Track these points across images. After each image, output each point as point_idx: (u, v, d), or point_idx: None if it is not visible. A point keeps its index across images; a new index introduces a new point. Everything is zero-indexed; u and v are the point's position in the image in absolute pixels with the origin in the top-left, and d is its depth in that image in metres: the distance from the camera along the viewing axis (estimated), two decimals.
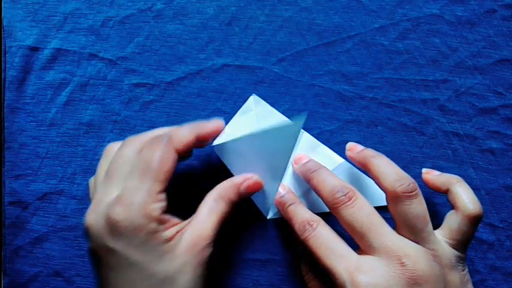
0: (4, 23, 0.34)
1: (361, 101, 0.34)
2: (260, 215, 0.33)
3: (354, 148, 0.30)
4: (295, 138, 0.33)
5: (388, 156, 0.33)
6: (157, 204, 0.25)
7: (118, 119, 0.34)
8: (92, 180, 0.28)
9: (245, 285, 0.32)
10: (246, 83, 0.34)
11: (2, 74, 0.34)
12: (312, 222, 0.27)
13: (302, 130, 0.33)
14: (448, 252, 0.26)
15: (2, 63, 0.34)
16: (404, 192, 0.25)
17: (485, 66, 0.34)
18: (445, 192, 0.29)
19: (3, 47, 0.34)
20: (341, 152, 0.33)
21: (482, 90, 0.34)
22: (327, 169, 0.29)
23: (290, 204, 0.29)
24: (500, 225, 0.33)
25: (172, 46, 0.34)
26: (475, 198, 0.27)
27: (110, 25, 0.34)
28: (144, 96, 0.34)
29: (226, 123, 0.34)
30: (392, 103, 0.34)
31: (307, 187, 0.31)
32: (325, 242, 0.26)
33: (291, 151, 0.33)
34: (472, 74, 0.34)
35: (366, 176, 0.32)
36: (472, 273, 0.32)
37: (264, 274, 0.32)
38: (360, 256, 0.25)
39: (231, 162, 0.33)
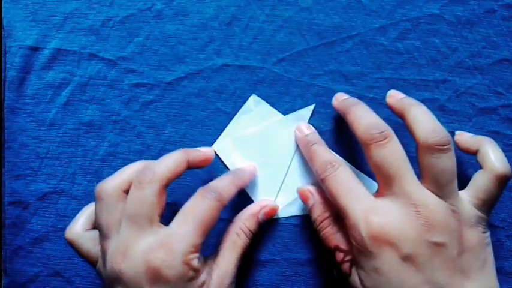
0: (4, 23, 0.34)
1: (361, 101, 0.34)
2: None
3: (395, 95, 0.30)
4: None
5: None
6: (197, 255, 0.25)
7: (118, 119, 0.34)
8: (70, 233, 0.28)
9: (245, 285, 0.32)
10: (246, 83, 0.34)
11: (2, 74, 0.34)
12: (334, 163, 0.27)
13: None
14: (469, 211, 0.26)
15: (2, 63, 0.34)
16: (436, 145, 0.25)
17: (485, 66, 0.34)
18: (475, 153, 0.28)
19: (3, 47, 0.34)
20: (341, 152, 0.33)
21: (482, 90, 0.34)
22: (366, 106, 0.29)
23: (313, 144, 0.29)
24: (500, 225, 0.33)
25: (172, 46, 0.34)
26: (504, 158, 0.27)
27: (110, 25, 0.34)
28: (144, 96, 0.34)
29: (227, 123, 0.34)
30: None
31: (315, 179, 0.31)
32: (344, 182, 0.26)
33: (294, 147, 0.33)
34: (472, 74, 0.34)
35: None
36: None
37: (264, 274, 0.32)
38: (376, 199, 0.25)
39: (232, 163, 0.33)
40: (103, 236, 0.26)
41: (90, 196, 0.33)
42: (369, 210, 0.24)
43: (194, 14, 0.34)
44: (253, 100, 0.34)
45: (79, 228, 0.28)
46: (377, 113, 0.33)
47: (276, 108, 0.34)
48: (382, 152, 0.25)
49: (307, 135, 0.31)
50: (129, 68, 0.34)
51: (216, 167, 0.33)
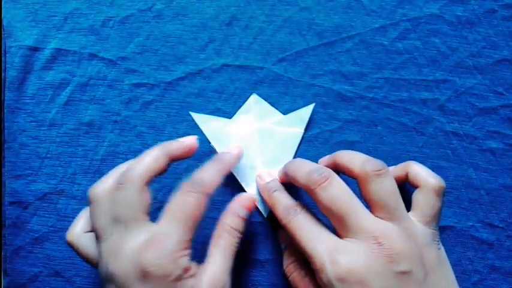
0: (4, 23, 0.34)
1: (361, 101, 0.34)
2: (259, 215, 0.33)
3: (322, 160, 0.31)
4: (301, 130, 0.33)
5: (388, 156, 0.33)
6: (186, 252, 0.25)
7: (118, 119, 0.34)
8: (71, 236, 0.28)
9: (244, 285, 0.32)
10: (246, 83, 0.34)
11: (2, 74, 0.34)
12: (296, 207, 0.27)
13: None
14: (422, 230, 0.26)
15: (2, 63, 0.34)
16: (374, 171, 0.25)
17: (485, 66, 0.34)
18: (406, 179, 0.29)
19: (3, 47, 0.34)
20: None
21: (482, 90, 0.34)
22: (300, 159, 0.29)
23: (274, 191, 0.29)
24: (500, 225, 0.33)
25: (172, 46, 0.34)
26: (433, 173, 0.28)
27: (110, 25, 0.34)
28: (144, 96, 0.34)
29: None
30: (392, 103, 0.34)
31: None
32: (306, 225, 0.26)
33: (296, 146, 0.33)
34: (472, 74, 0.34)
35: None
36: (471, 273, 0.32)
37: (263, 274, 0.32)
38: (339, 240, 0.25)
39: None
40: (98, 238, 0.27)
41: None
42: (333, 250, 0.24)
43: (194, 14, 0.34)
44: (253, 99, 0.34)
45: (79, 230, 0.28)
46: (377, 113, 0.34)
47: (276, 108, 0.34)
48: (328, 193, 0.25)
49: (268, 183, 0.31)
50: (129, 68, 0.34)
51: None
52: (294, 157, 0.33)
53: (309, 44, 0.34)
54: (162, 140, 0.33)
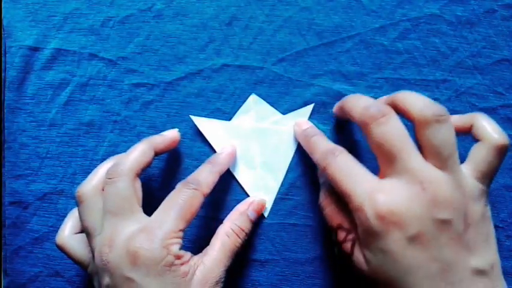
0: (4, 23, 0.34)
1: None
2: (259, 216, 0.33)
3: (380, 99, 0.29)
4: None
5: None
6: (177, 240, 0.25)
7: (118, 119, 0.34)
8: (61, 240, 0.29)
9: (244, 285, 0.32)
10: (246, 83, 0.34)
11: (2, 74, 0.34)
12: (335, 151, 0.27)
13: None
14: (472, 184, 0.25)
15: (2, 63, 0.34)
16: (434, 116, 0.24)
17: (485, 66, 0.34)
18: (469, 130, 0.28)
19: (3, 47, 0.34)
20: None
21: (482, 90, 0.34)
22: (361, 94, 0.28)
23: (313, 136, 0.29)
24: (500, 225, 0.33)
25: (172, 46, 0.34)
26: (500, 129, 0.26)
27: (110, 25, 0.34)
28: (144, 96, 0.34)
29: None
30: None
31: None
32: (345, 167, 0.26)
33: (295, 146, 0.33)
34: (472, 74, 0.34)
35: None
36: None
37: (263, 274, 0.32)
38: (380, 179, 0.25)
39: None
40: (89, 236, 0.27)
41: None
42: (374, 190, 0.24)
43: (194, 14, 0.34)
44: (252, 99, 0.34)
45: (67, 233, 0.29)
46: None
47: (276, 108, 0.34)
48: (383, 130, 0.25)
49: (306, 129, 0.31)
50: (129, 68, 0.34)
51: None
52: (294, 157, 0.33)
53: (309, 44, 0.34)
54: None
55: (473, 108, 0.34)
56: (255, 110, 0.33)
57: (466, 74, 0.34)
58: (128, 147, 0.33)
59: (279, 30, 0.34)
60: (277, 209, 0.33)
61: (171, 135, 0.31)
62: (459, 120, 0.28)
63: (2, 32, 0.34)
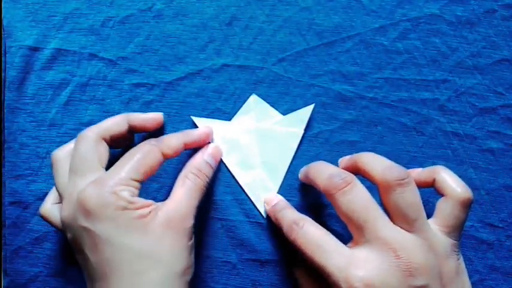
0: (4, 23, 0.34)
1: (361, 101, 0.34)
2: (259, 215, 0.33)
3: (342, 160, 0.30)
4: (301, 130, 0.33)
5: (388, 156, 0.33)
6: (128, 188, 0.25)
7: None
8: (56, 154, 0.29)
9: (244, 286, 0.32)
10: (246, 83, 0.34)
11: (2, 74, 0.34)
12: (299, 221, 0.26)
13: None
14: (443, 241, 0.25)
15: (2, 63, 0.34)
16: (395, 180, 0.25)
17: (485, 66, 0.34)
18: (432, 184, 0.28)
19: (3, 47, 0.34)
20: (340, 152, 0.33)
21: (482, 90, 0.34)
22: (323, 161, 0.29)
23: (280, 210, 0.29)
24: (500, 225, 0.33)
25: (172, 46, 0.34)
26: (462, 182, 0.27)
27: (110, 25, 0.34)
28: (144, 96, 0.34)
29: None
30: (392, 103, 0.34)
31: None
32: (313, 239, 0.25)
33: (295, 146, 0.33)
34: (472, 74, 0.34)
35: None
36: (471, 273, 0.32)
37: (263, 274, 0.32)
38: (352, 249, 0.25)
39: (230, 162, 0.33)
40: (61, 198, 0.27)
41: None
42: (348, 264, 0.24)
43: (194, 14, 0.34)
44: (253, 100, 0.34)
45: (48, 203, 0.30)
46: (377, 112, 0.34)
47: (276, 108, 0.34)
48: (347, 199, 0.25)
49: (274, 205, 0.30)
50: (129, 68, 0.34)
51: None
52: (294, 158, 0.33)
53: (309, 44, 0.34)
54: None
55: (473, 108, 0.34)
56: (255, 111, 0.33)
57: (466, 74, 0.34)
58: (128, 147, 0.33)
59: (279, 30, 0.34)
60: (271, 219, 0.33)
61: (152, 115, 0.31)
62: (421, 175, 0.29)
63: (2, 32, 0.34)
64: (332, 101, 0.34)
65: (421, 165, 0.33)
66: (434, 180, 0.28)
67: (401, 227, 0.25)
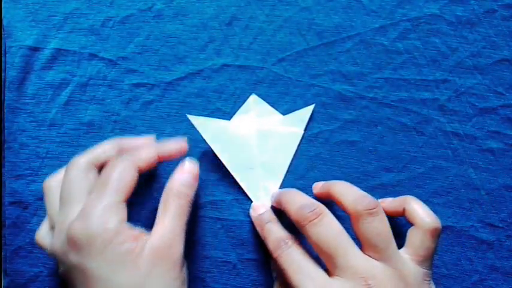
0: (4, 23, 0.34)
1: (361, 101, 0.34)
2: None
3: (316, 186, 0.31)
4: (301, 130, 0.33)
5: (388, 156, 0.33)
6: (116, 212, 0.25)
7: (118, 119, 0.34)
8: (48, 182, 0.29)
9: (244, 286, 0.32)
10: (246, 83, 0.34)
11: (2, 74, 0.34)
12: (287, 241, 0.27)
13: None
14: (414, 270, 0.26)
15: (2, 63, 0.34)
16: (365, 209, 0.25)
17: (485, 66, 0.34)
18: (402, 214, 0.29)
19: (3, 47, 0.34)
20: (340, 152, 0.33)
21: (482, 90, 0.34)
22: (295, 190, 0.29)
23: (267, 223, 0.29)
24: (500, 225, 0.33)
25: (172, 46, 0.34)
26: (431, 212, 0.27)
27: (110, 25, 0.34)
28: (144, 96, 0.34)
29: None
30: (392, 103, 0.34)
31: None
32: (296, 260, 0.26)
33: (295, 146, 0.33)
34: (472, 74, 0.34)
35: None
36: (471, 273, 0.32)
37: (263, 274, 0.32)
38: (328, 278, 0.25)
39: (230, 161, 0.33)
40: (53, 227, 0.27)
41: None
42: None
43: (194, 14, 0.34)
44: (252, 100, 0.34)
45: (43, 230, 0.29)
46: (377, 112, 0.34)
47: (276, 108, 0.34)
48: (317, 231, 0.25)
49: (261, 214, 0.30)
50: (129, 68, 0.34)
51: (210, 170, 0.33)
52: (294, 158, 0.33)
53: (309, 44, 0.34)
54: (162, 140, 0.33)
55: (473, 108, 0.34)
56: (254, 110, 0.33)
57: (466, 74, 0.34)
58: None
59: (279, 30, 0.34)
60: (277, 209, 0.33)
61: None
62: (391, 204, 0.30)
63: (2, 32, 0.34)
64: (332, 101, 0.34)
65: (421, 165, 0.33)
66: (404, 209, 0.28)
67: (372, 256, 0.25)
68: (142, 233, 0.25)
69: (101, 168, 0.28)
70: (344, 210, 0.27)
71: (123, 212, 0.25)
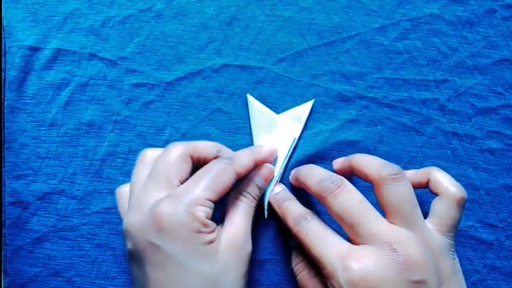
0: (4, 23, 0.34)
1: (361, 101, 0.34)
2: (259, 215, 0.33)
3: (337, 161, 0.31)
4: (300, 125, 0.33)
5: (387, 156, 0.33)
6: (204, 208, 0.25)
7: (118, 119, 0.34)
8: (120, 189, 0.29)
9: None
10: (246, 83, 0.34)
11: (2, 74, 0.34)
12: (307, 216, 0.27)
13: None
14: (439, 239, 0.26)
15: (2, 63, 0.34)
16: (389, 175, 0.25)
17: (485, 66, 0.34)
18: (426, 185, 0.28)
19: (3, 47, 0.34)
20: (340, 152, 0.33)
21: (482, 90, 0.34)
22: (314, 165, 0.29)
23: (285, 201, 0.29)
24: (500, 225, 0.33)
25: (172, 46, 0.34)
26: (456, 182, 0.27)
27: (110, 25, 0.34)
28: (144, 96, 0.34)
29: (227, 123, 0.34)
30: (392, 103, 0.34)
31: None
32: (317, 232, 0.26)
33: (294, 142, 0.33)
34: (472, 74, 0.34)
35: None
36: (471, 273, 0.32)
37: (264, 274, 0.32)
38: (352, 245, 0.25)
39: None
40: (130, 194, 0.27)
41: (90, 196, 0.33)
42: (346, 256, 0.24)
43: (194, 14, 0.34)
44: (247, 99, 0.33)
45: (126, 188, 0.29)
46: (377, 113, 0.34)
47: (276, 108, 0.33)
48: (339, 200, 0.25)
49: (277, 193, 0.30)
50: (129, 68, 0.34)
51: None
52: (294, 157, 0.33)
53: (309, 44, 0.34)
54: (161, 140, 0.34)
55: (473, 108, 0.34)
56: (250, 110, 0.33)
57: (466, 74, 0.34)
58: (128, 147, 0.34)
59: (279, 30, 0.34)
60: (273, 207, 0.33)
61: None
62: (415, 175, 0.29)
63: (2, 32, 0.34)
64: (332, 101, 0.34)
65: (421, 165, 0.33)
66: (428, 180, 0.28)
67: (395, 223, 0.25)
68: (217, 227, 0.26)
69: (196, 161, 0.28)
70: (366, 180, 0.27)
71: (211, 209, 0.25)
